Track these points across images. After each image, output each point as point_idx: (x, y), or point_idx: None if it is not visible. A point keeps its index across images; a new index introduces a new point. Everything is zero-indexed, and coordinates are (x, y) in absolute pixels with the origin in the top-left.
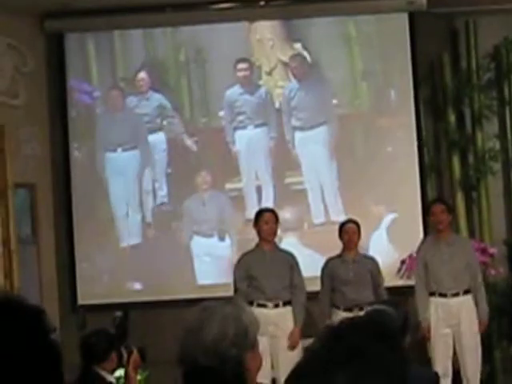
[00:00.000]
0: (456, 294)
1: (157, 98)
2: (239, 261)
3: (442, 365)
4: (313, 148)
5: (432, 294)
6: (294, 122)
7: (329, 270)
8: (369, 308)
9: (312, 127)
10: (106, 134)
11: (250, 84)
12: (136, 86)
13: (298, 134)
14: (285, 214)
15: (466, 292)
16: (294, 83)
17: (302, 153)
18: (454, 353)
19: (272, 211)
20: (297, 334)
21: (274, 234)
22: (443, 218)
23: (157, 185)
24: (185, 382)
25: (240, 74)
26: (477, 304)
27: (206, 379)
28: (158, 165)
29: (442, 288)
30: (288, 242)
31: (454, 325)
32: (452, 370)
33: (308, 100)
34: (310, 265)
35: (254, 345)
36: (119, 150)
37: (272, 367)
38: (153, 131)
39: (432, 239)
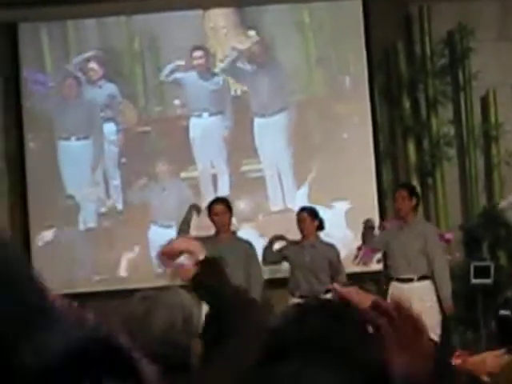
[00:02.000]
0: (410, 280)
1: (109, 87)
2: (198, 238)
3: None
4: (271, 135)
5: (391, 278)
6: (253, 109)
7: (285, 249)
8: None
9: (271, 114)
10: (61, 123)
11: (206, 72)
12: (89, 74)
13: (257, 121)
14: (241, 202)
15: (422, 278)
16: (250, 70)
17: (261, 140)
18: None
19: (222, 202)
20: None
21: (227, 224)
22: (404, 204)
23: (111, 174)
24: None
25: (196, 61)
26: (439, 290)
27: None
28: (111, 154)
29: (397, 273)
30: (245, 229)
31: None
32: None
33: (265, 87)
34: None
35: (198, 331)
36: (73, 138)
37: None
38: (106, 120)
39: (397, 222)
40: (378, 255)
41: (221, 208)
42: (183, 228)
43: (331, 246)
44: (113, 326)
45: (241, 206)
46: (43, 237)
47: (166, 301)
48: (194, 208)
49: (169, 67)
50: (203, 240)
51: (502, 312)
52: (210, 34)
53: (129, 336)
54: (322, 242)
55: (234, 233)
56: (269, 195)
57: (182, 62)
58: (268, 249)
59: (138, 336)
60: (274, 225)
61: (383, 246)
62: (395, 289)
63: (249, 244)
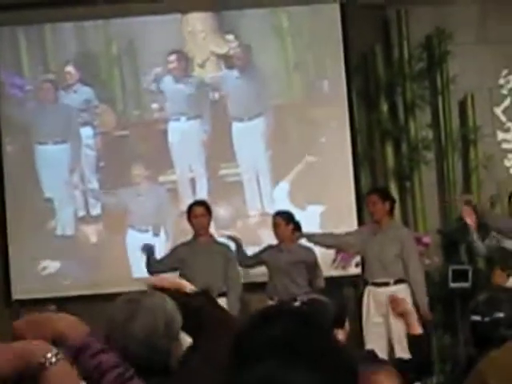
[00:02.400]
0: (385, 284)
1: (87, 91)
2: (173, 249)
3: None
4: (250, 139)
5: (366, 282)
6: (231, 113)
7: (263, 253)
8: (303, 297)
9: (249, 118)
10: (38, 127)
11: (184, 76)
12: (66, 78)
13: (235, 125)
14: (219, 207)
15: (398, 282)
16: (228, 74)
17: (239, 144)
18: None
19: (201, 204)
20: None
21: (206, 227)
22: (375, 209)
23: (89, 178)
24: None
25: (172, 65)
26: (414, 295)
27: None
28: (89, 158)
29: (372, 277)
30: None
31: (384, 314)
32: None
33: (243, 91)
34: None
35: (178, 335)
36: (50, 142)
37: None
38: (83, 124)
39: (372, 227)
40: (357, 259)
41: (200, 210)
42: (152, 265)
43: (308, 250)
44: (95, 329)
45: (220, 211)
46: (22, 238)
47: (149, 305)
48: (145, 249)
49: (152, 74)
50: (182, 245)
51: (474, 317)
52: (188, 38)
53: (111, 339)
54: (299, 245)
55: (211, 236)
56: (246, 199)
57: (160, 67)
58: (240, 252)
59: (120, 339)
60: (252, 229)
61: (360, 250)
62: (370, 293)
63: (227, 247)
